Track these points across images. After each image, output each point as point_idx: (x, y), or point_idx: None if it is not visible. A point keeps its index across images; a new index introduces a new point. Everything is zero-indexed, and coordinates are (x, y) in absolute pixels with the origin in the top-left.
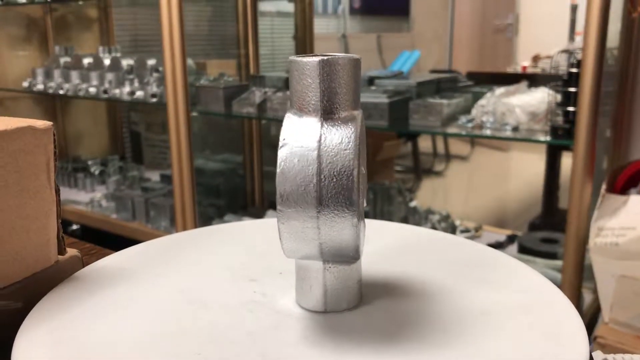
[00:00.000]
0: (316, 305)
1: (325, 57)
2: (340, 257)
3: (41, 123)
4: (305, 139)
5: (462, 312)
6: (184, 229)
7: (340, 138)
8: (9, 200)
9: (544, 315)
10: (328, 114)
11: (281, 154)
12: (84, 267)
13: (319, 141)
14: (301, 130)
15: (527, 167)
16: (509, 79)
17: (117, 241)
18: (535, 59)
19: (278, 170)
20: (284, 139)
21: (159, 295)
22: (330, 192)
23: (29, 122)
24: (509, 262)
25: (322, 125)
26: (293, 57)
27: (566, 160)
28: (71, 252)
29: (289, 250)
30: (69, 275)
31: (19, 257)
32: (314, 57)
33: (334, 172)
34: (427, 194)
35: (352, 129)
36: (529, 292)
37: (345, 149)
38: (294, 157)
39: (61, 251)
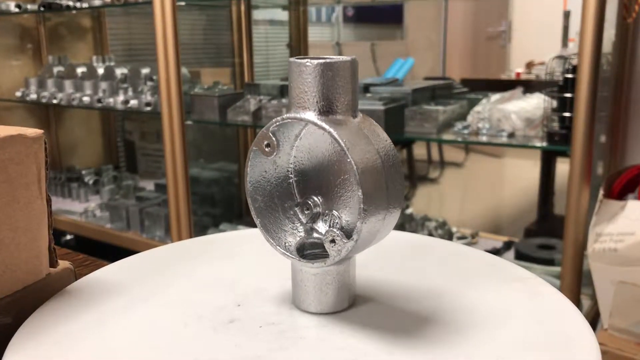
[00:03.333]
0: (342, 304)
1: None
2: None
3: (31, 131)
4: (361, 138)
5: (467, 315)
6: (179, 238)
7: (379, 134)
8: None
9: (549, 321)
10: (348, 114)
11: (355, 156)
12: (76, 279)
13: (369, 138)
14: (351, 131)
15: (522, 173)
16: (503, 85)
17: (111, 251)
18: (529, 65)
19: (359, 172)
20: (347, 141)
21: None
22: (394, 183)
23: (19, 130)
24: (509, 268)
25: (360, 126)
26: (296, 60)
27: (561, 166)
28: (63, 264)
29: (359, 247)
30: (60, 288)
31: (9, 270)
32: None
33: (391, 165)
34: (422, 201)
35: (379, 126)
36: (531, 298)
37: (389, 143)
38: (365, 155)
39: (53, 263)
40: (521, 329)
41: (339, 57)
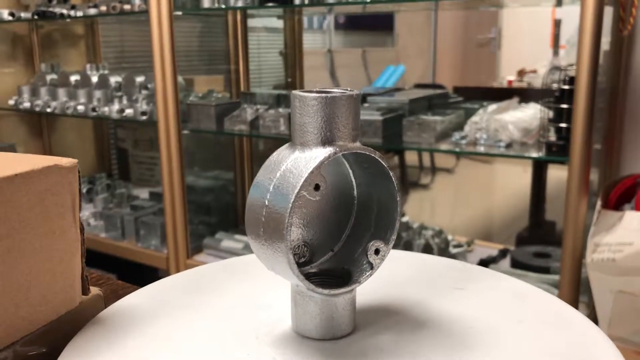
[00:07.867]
0: (349, 328)
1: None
2: None
3: (66, 161)
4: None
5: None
6: (175, 248)
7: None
8: (35, 243)
9: (565, 337)
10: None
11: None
12: (105, 305)
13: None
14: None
15: (512, 179)
16: (496, 93)
17: (107, 260)
18: (521, 73)
19: (397, 183)
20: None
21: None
22: None
23: (54, 160)
24: (514, 285)
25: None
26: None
27: (552, 173)
28: (93, 290)
29: None
30: (92, 315)
31: (45, 300)
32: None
33: None
34: (414, 208)
35: None
36: (540, 314)
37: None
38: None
39: (85, 291)
40: (531, 341)
41: (345, 90)
